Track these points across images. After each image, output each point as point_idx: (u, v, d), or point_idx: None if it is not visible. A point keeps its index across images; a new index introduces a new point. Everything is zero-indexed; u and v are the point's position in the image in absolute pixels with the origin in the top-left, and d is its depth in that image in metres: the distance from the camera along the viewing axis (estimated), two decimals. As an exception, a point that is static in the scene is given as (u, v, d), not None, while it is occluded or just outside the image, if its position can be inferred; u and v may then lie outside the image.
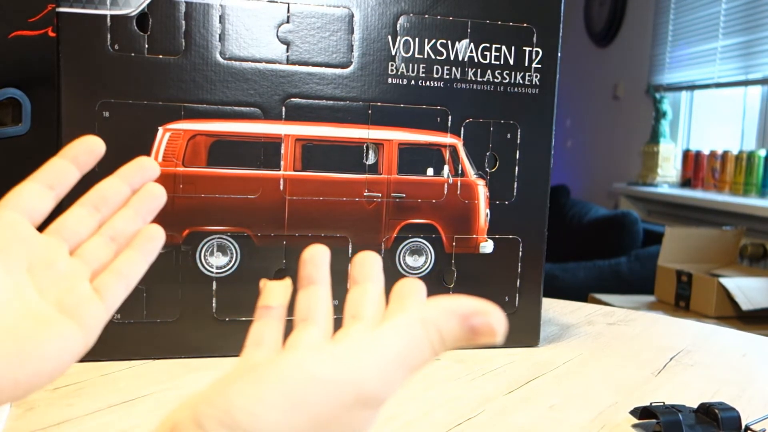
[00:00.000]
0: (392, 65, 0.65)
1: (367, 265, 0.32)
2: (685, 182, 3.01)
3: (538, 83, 0.69)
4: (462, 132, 0.67)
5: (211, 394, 0.25)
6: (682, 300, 2.12)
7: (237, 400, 0.24)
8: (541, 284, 0.72)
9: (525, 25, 0.68)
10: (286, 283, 0.34)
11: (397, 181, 0.67)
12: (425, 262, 0.68)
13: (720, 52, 2.91)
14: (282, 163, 0.64)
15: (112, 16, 0.58)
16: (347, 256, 0.66)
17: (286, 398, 0.24)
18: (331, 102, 0.64)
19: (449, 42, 0.66)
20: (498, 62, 0.67)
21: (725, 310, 1.99)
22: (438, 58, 0.66)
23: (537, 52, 0.68)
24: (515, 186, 0.70)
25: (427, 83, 0.66)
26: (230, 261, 0.63)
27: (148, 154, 0.60)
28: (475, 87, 0.67)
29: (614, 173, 3.57)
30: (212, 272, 0.63)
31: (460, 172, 0.68)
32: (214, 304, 0.63)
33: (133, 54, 0.59)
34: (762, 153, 2.58)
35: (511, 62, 0.68)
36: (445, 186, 0.68)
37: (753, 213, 2.43)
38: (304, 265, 0.33)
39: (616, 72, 3.67)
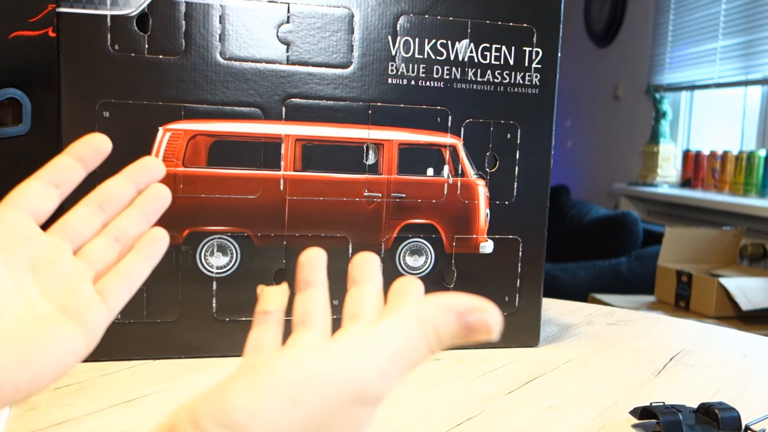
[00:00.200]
0: (392, 65, 0.65)
1: (366, 265, 0.32)
2: (685, 182, 3.01)
3: (538, 83, 0.69)
4: (462, 132, 0.67)
5: (210, 394, 0.25)
6: (682, 300, 2.12)
7: (235, 400, 0.24)
8: (541, 284, 0.72)
9: (525, 25, 0.68)
10: (283, 287, 0.34)
11: (397, 181, 0.67)
12: (425, 262, 0.68)
13: (720, 52, 2.91)
14: (282, 163, 0.64)
15: (112, 16, 0.58)
16: (347, 256, 0.66)
17: (284, 397, 0.24)
18: (331, 102, 0.64)
19: (449, 42, 0.66)
20: (498, 62, 0.67)
21: (725, 310, 1.99)
22: (438, 58, 0.66)
23: (537, 52, 0.68)
24: (515, 186, 0.70)
25: (427, 83, 0.66)
26: (230, 261, 0.63)
27: (149, 154, 0.60)
28: (475, 87, 0.67)
29: (614, 173, 3.57)
30: (212, 272, 0.63)
31: (460, 172, 0.68)
32: (214, 304, 0.63)
33: (133, 54, 0.59)
34: (762, 153, 2.58)
35: (511, 62, 0.68)
36: (445, 186, 0.68)
37: (753, 213, 2.43)
38: (301, 268, 0.33)
39: (616, 72, 3.67)
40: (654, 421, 0.51)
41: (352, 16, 0.64)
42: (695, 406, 0.52)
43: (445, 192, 0.68)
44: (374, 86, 0.65)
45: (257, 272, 0.64)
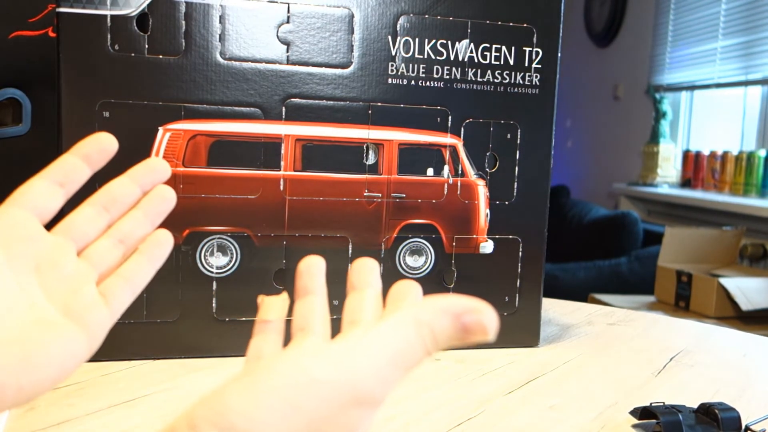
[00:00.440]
0: (392, 65, 0.65)
1: (365, 271, 0.32)
2: (685, 182, 3.01)
3: (538, 83, 0.69)
4: (462, 132, 0.67)
5: (208, 397, 0.25)
6: (682, 300, 2.12)
7: (232, 403, 0.24)
8: (541, 284, 0.72)
9: (525, 25, 0.68)
10: (283, 297, 0.34)
11: (397, 181, 0.67)
12: (425, 262, 0.68)
13: (720, 53, 2.91)
14: (282, 163, 0.64)
15: (112, 16, 0.58)
16: (347, 256, 0.66)
17: (282, 399, 0.24)
18: (331, 102, 0.64)
19: (449, 42, 0.66)
20: (498, 62, 0.67)
21: (725, 310, 1.99)
22: (438, 58, 0.66)
23: (537, 53, 0.68)
24: (515, 186, 0.70)
25: (427, 83, 0.66)
26: (230, 261, 0.63)
27: (149, 154, 0.60)
28: (475, 87, 0.67)
29: (614, 173, 3.57)
30: (212, 272, 0.63)
31: (460, 172, 0.68)
32: (214, 304, 0.63)
33: (133, 54, 0.59)
34: (762, 153, 2.58)
35: (511, 62, 0.68)
36: (445, 186, 0.68)
37: (753, 213, 2.43)
38: (300, 276, 0.33)
39: (617, 72, 3.67)
40: (654, 421, 0.51)
41: (352, 16, 0.64)
42: (695, 406, 0.52)
43: (445, 192, 0.68)
44: (374, 86, 0.65)
45: (257, 272, 0.64)
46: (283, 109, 0.63)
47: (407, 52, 0.65)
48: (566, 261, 2.62)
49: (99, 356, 0.61)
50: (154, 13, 0.59)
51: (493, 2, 0.67)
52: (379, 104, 0.65)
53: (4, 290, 0.29)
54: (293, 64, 0.63)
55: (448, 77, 0.66)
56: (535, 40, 0.68)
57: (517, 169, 0.69)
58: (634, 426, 0.53)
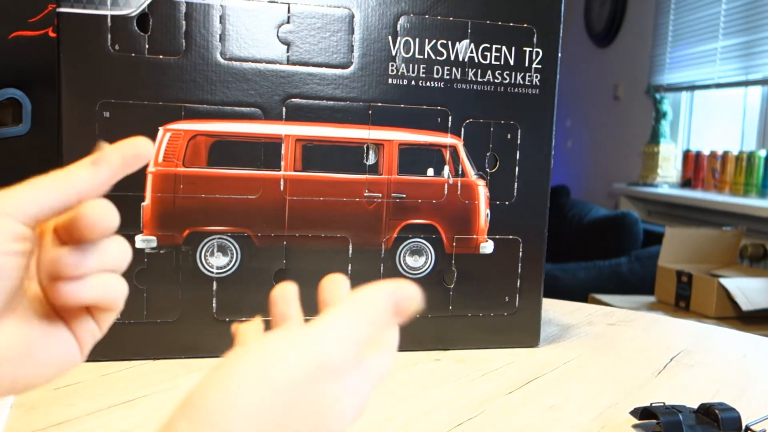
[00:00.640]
0: (392, 65, 0.65)
1: (335, 287, 0.33)
2: (686, 182, 3.01)
3: (538, 83, 0.69)
4: (462, 132, 0.67)
5: (187, 394, 0.26)
6: (682, 300, 2.12)
7: (205, 394, 0.25)
8: (541, 284, 0.72)
9: (525, 25, 0.68)
10: (257, 322, 0.35)
11: (398, 181, 0.67)
12: (425, 262, 0.68)
13: (720, 53, 2.91)
14: (282, 163, 0.64)
15: (112, 16, 0.58)
16: (347, 256, 0.66)
17: (254, 387, 0.25)
18: (332, 102, 0.64)
19: (449, 42, 0.66)
20: (498, 62, 0.67)
21: (725, 310, 1.99)
22: (438, 58, 0.66)
23: (537, 53, 0.68)
24: (515, 186, 0.70)
25: (428, 83, 0.66)
26: (230, 261, 0.63)
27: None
28: (475, 87, 0.67)
29: (614, 173, 3.57)
30: (212, 272, 0.63)
31: (460, 172, 0.68)
32: (214, 305, 0.63)
33: (133, 54, 0.59)
34: (762, 153, 2.58)
35: (512, 62, 0.68)
36: (446, 186, 0.68)
37: (753, 213, 2.43)
38: (275, 303, 0.34)
39: (617, 72, 3.67)
40: (654, 421, 0.51)
41: (353, 16, 0.64)
42: (695, 406, 0.52)
43: (446, 192, 0.68)
44: (374, 86, 0.65)
45: (257, 272, 0.64)
46: (284, 109, 0.63)
47: (407, 53, 0.65)
48: (566, 261, 2.62)
49: (99, 356, 0.61)
50: (154, 13, 0.59)
51: (494, 2, 0.67)
52: (380, 104, 0.65)
53: (19, 276, 0.29)
54: (293, 64, 0.63)
55: (448, 77, 0.66)
56: (535, 40, 0.68)
57: (517, 169, 0.69)
58: (635, 426, 0.53)
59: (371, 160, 0.66)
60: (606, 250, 2.71)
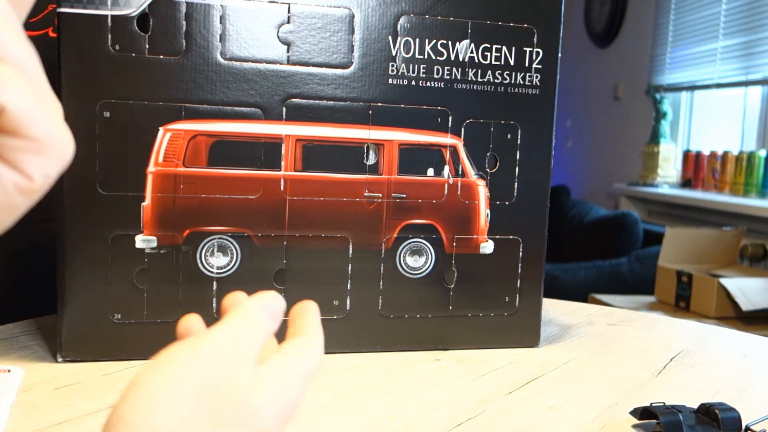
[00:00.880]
0: (393, 66, 0.65)
1: (306, 315, 0.35)
2: (686, 183, 3.01)
3: (538, 84, 0.69)
4: (462, 132, 0.67)
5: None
6: (682, 300, 2.12)
7: (125, 399, 0.27)
8: (541, 284, 0.72)
9: (525, 25, 0.68)
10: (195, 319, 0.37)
11: (398, 181, 0.67)
12: (425, 262, 0.68)
13: (720, 53, 2.91)
14: (282, 163, 0.64)
15: (112, 16, 0.58)
16: (347, 256, 0.66)
17: (173, 390, 0.27)
18: (332, 102, 0.64)
19: (450, 42, 0.66)
20: (498, 63, 0.67)
21: (725, 310, 1.99)
22: (438, 58, 0.66)
23: (537, 53, 0.68)
24: (515, 186, 0.70)
25: (428, 84, 0.66)
26: (231, 261, 0.63)
27: (149, 154, 0.60)
28: (475, 87, 0.67)
29: (614, 173, 3.57)
30: (213, 272, 0.63)
31: (460, 172, 0.68)
32: (214, 305, 0.63)
33: (133, 54, 0.59)
34: (762, 153, 2.58)
35: (512, 63, 0.68)
36: (446, 186, 0.68)
37: (753, 213, 2.43)
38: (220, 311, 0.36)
39: (617, 72, 3.67)
40: (654, 421, 0.51)
41: (353, 16, 0.64)
42: (695, 406, 0.52)
43: (446, 192, 0.68)
44: (375, 86, 0.65)
45: (257, 272, 0.64)
46: (284, 109, 0.63)
47: (408, 53, 0.65)
48: (566, 261, 2.62)
49: (99, 356, 0.61)
50: (154, 13, 0.59)
51: (494, 2, 0.67)
52: (380, 104, 0.65)
53: None
54: (294, 64, 0.63)
55: (448, 77, 0.66)
56: (535, 40, 0.68)
57: (517, 169, 0.69)
58: (635, 426, 0.53)
59: (371, 160, 0.66)
60: (606, 250, 2.71)
